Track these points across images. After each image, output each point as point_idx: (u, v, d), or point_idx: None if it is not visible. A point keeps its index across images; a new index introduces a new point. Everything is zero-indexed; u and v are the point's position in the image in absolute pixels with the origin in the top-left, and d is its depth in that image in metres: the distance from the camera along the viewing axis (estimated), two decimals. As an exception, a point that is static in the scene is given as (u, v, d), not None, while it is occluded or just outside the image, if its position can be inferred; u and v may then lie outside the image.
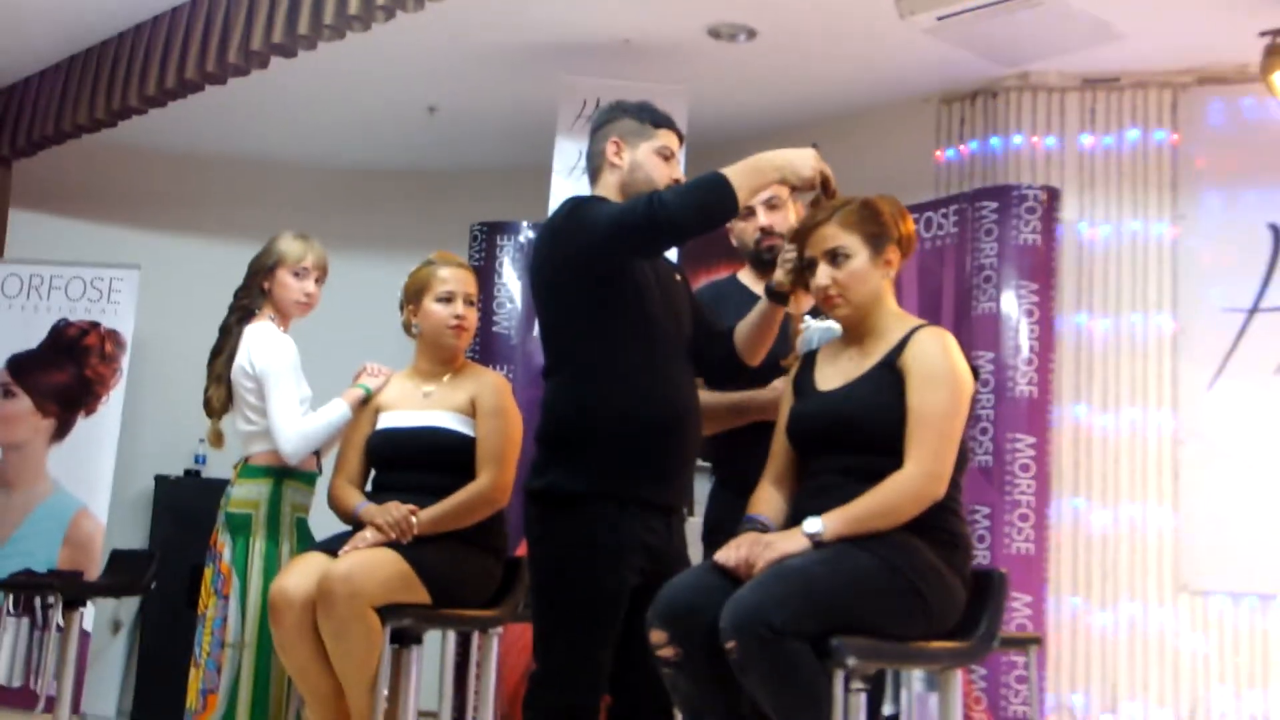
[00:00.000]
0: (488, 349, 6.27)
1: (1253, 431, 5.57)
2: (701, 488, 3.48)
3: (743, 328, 3.30)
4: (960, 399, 2.81)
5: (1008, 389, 5.53)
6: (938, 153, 6.23)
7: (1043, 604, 5.47)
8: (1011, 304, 5.61)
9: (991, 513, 5.45)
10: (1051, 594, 5.56)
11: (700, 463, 3.42)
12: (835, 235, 2.91)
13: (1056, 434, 5.68)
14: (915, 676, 4.89)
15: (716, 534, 3.35)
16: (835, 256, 2.91)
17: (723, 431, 3.50)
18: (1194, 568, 5.56)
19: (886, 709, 4.49)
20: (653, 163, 3.25)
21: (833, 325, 3.09)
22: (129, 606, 7.16)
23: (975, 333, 5.56)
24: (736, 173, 3.01)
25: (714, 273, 6.33)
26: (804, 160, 3.04)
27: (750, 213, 3.51)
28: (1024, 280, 5.62)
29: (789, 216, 3.50)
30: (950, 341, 2.87)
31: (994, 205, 5.69)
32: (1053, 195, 5.74)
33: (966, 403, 2.84)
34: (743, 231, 3.57)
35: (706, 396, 3.36)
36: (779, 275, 3.17)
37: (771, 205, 3.52)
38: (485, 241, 6.51)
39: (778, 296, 3.18)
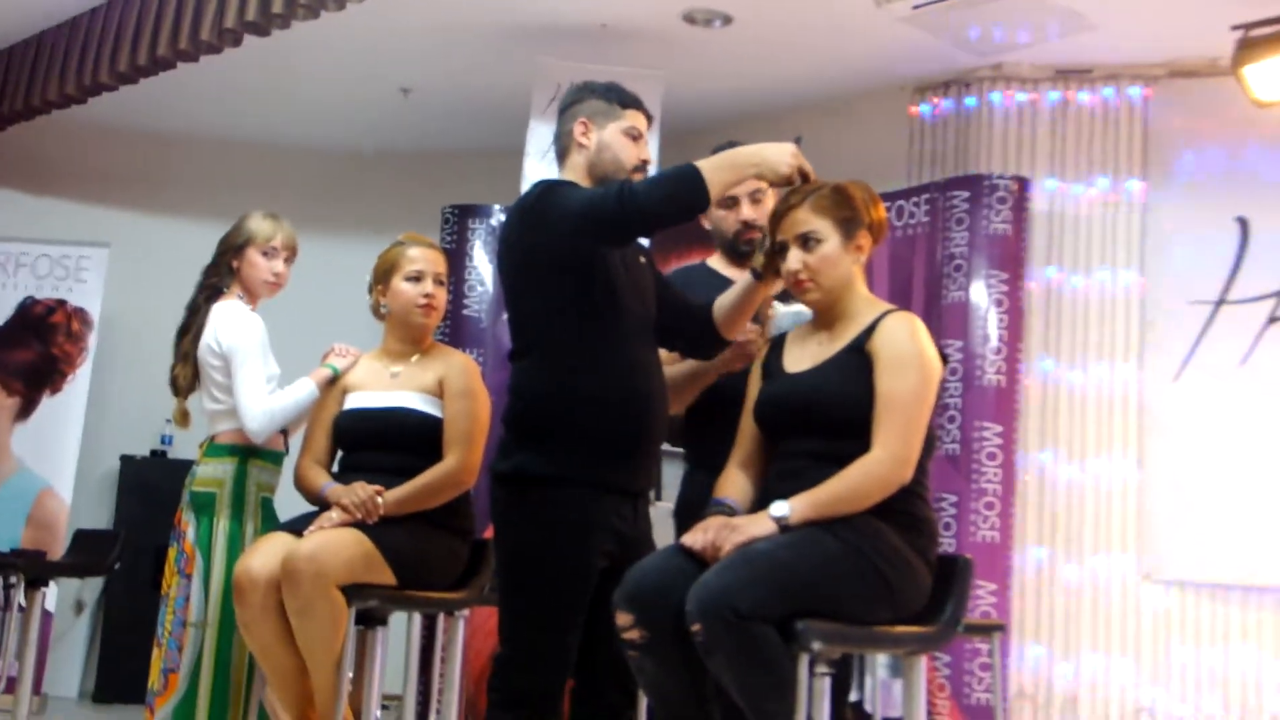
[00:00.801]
0: (458, 332, 6.26)
1: (1217, 424, 5.62)
2: (671, 472, 3.48)
3: (722, 303, 3.30)
4: (928, 384, 2.81)
5: (976, 378, 5.55)
6: (911, 109, 6.25)
7: (1007, 591, 5.50)
8: (981, 293, 5.63)
9: (959, 501, 5.47)
10: (1017, 563, 5.61)
11: (669, 447, 3.42)
12: (807, 220, 2.91)
13: (1024, 423, 5.71)
14: (879, 663, 4.93)
15: (690, 516, 3.36)
16: (806, 241, 2.91)
17: (697, 414, 3.50)
18: (1157, 559, 5.62)
19: (851, 696, 4.51)
20: (620, 143, 3.25)
21: (802, 310, 3.09)
22: (93, 587, 7.13)
23: (945, 321, 5.58)
24: (711, 166, 3.00)
25: (684, 258, 6.35)
26: (780, 156, 3.02)
27: (734, 203, 3.50)
28: (994, 270, 5.64)
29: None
30: (919, 327, 2.88)
31: (965, 194, 5.71)
32: (1023, 185, 5.76)
33: (934, 388, 2.84)
34: (722, 220, 3.56)
35: (665, 372, 3.35)
36: (756, 259, 3.17)
37: (755, 199, 3.51)
38: (457, 224, 6.49)
39: (762, 276, 3.16)
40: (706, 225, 3.64)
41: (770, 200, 3.51)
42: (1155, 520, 5.65)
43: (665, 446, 3.34)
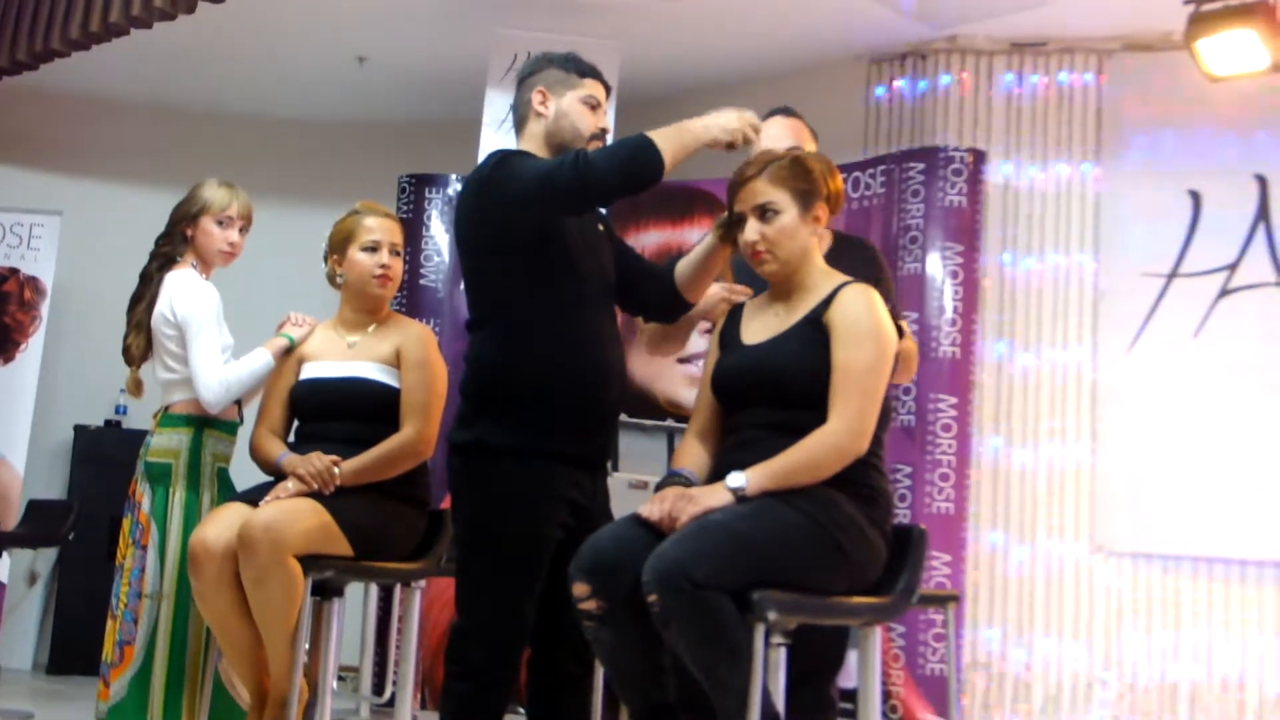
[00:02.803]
0: (415, 302, 6.25)
1: (1169, 395, 5.68)
2: (627, 443, 3.49)
3: (685, 265, 3.29)
4: (884, 356, 2.83)
5: (931, 349, 5.59)
6: (872, 89, 6.27)
7: (961, 563, 5.55)
8: (936, 265, 5.66)
9: (913, 472, 5.52)
10: (971, 536, 5.66)
11: (625, 417, 3.42)
12: (764, 191, 2.92)
13: (979, 395, 5.76)
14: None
15: None
16: (764, 212, 2.92)
17: None
18: (1109, 530, 5.69)
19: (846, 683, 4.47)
20: (578, 111, 3.25)
21: None
22: (46, 558, 7.08)
23: (900, 293, 5.56)
24: (663, 136, 3.00)
25: (642, 228, 6.35)
26: (726, 119, 3.04)
27: None
28: (949, 242, 5.67)
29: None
30: (875, 299, 2.88)
31: (921, 166, 5.74)
32: (979, 157, 5.79)
33: (890, 360, 2.86)
34: None
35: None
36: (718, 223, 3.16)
37: None
38: (413, 194, 6.48)
39: (726, 236, 3.13)
40: None
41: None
42: (1108, 494, 5.71)
43: (623, 417, 3.34)
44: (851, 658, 4.52)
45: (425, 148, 7.14)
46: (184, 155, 7.30)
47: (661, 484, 2.88)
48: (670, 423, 5.89)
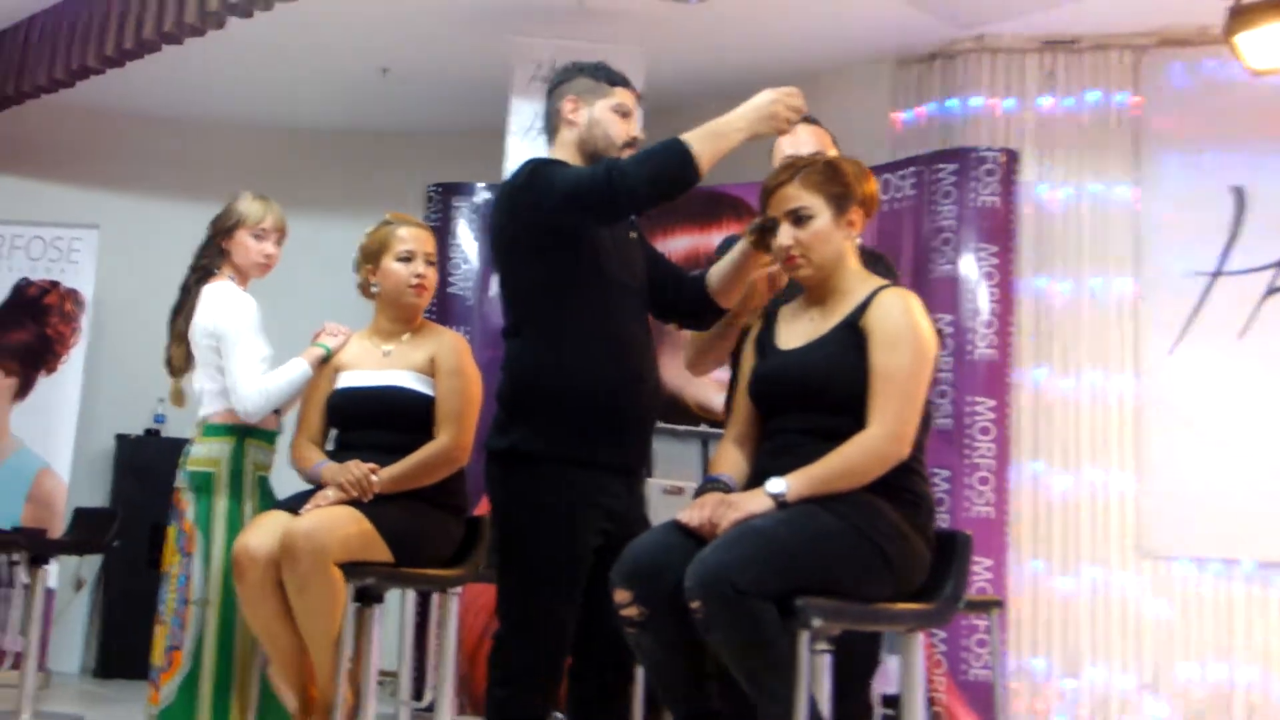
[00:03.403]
0: (444, 310, 6.27)
1: (1215, 396, 5.56)
2: (659, 448, 3.49)
3: (718, 270, 3.28)
4: (924, 360, 2.81)
5: (967, 352, 5.54)
6: (894, 114, 6.22)
7: (1003, 568, 5.48)
8: (970, 266, 5.61)
9: (951, 476, 5.46)
10: (1013, 558, 5.57)
11: (661, 424, 3.43)
12: (798, 195, 2.91)
13: (1016, 397, 5.68)
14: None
15: None
16: (798, 217, 2.90)
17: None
18: (1155, 533, 5.57)
19: (887, 689, 4.45)
20: (610, 119, 3.26)
21: None
22: (91, 564, 7.16)
23: (933, 295, 5.53)
24: (697, 138, 2.99)
25: (670, 234, 6.36)
26: (763, 107, 3.02)
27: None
28: (983, 243, 5.62)
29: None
30: (914, 302, 2.87)
31: (952, 168, 5.70)
32: (1011, 157, 5.73)
33: (930, 364, 2.84)
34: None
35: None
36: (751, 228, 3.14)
37: None
38: (441, 203, 6.51)
39: (759, 241, 3.11)
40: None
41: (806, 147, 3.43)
42: (1153, 499, 5.59)
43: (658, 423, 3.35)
44: (893, 663, 4.52)
45: (451, 157, 7.17)
46: (214, 168, 7.38)
47: (700, 490, 2.88)
48: (703, 428, 5.89)
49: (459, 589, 3.84)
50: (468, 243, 6.43)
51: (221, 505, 3.82)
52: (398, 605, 4.91)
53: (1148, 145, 5.80)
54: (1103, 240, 5.81)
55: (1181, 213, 5.72)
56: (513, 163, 5.76)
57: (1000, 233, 5.65)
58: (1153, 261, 5.73)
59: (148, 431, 7.26)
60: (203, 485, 3.83)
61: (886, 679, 4.87)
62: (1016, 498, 5.64)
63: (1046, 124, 5.93)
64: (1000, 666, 4.94)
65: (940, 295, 5.57)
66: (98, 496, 7.11)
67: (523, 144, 5.85)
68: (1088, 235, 5.83)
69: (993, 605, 4.84)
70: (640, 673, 3.56)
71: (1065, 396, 5.74)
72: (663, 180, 3.00)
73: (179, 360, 3.97)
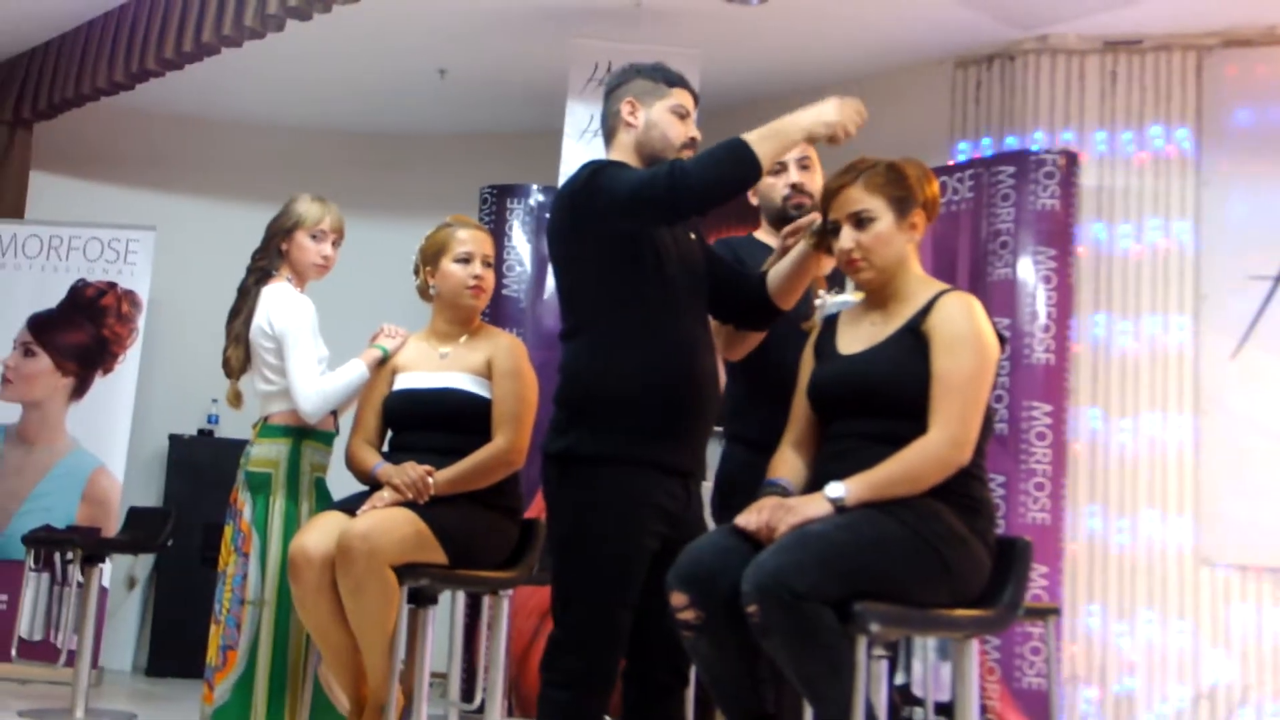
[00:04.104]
0: (498, 312, 6.28)
1: (1276, 401, 5.50)
2: (712, 451, 3.47)
3: (777, 272, 3.27)
4: (986, 364, 2.79)
5: (1024, 356, 5.50)
6: (953, 116, 6.18)
7: (1058, 575, 5.44)
8: (1028, 270, 5.56)
9: (1007, 481, 5.41)
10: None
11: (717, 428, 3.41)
12: (860, 198, 2.89)
13: (1074, 407, 5.62)
14: (928, 646, 4.89)
15: (731, 493, 3.37)
16: (859, 220, 2.89)
17: (734, 389, 3.50)
18: (1214, 541, 5.51)
19: (897, 679, 4.46)
20: (668, 121, 3.25)
21: (848, 299, 3.08)
22: (144, 563, 7.24)
23: (990, 299, 5.50)
24: (759, 137, 2.98)
25: (723, 234, 6.33)
26: (827, 109, 3.01)
27: (781, 169, 3.50)
28: (1041, 246, 5.57)
29: (817, 179, 3.49)
30: (976, 306, 2.84)
31: (1011, 170, 5.65)
32: (1071, 160, 5.68)
33: (992, 368, 2.82)
34: (770, 188, 3.56)
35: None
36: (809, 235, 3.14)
37: (803, 165, 3.52)
38: (495, 204, 6.51)
39: (820, 244, 3.11)
40: (754, 200, 3.64)
41: (817, 169, 3.53)
42: (1213, 504, 5.52)
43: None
44: (945, 669, 4.48)
45: (507, 158, 7.19)
46: (273, 170, 7.44)
47: (759, 494, 2.86)
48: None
49: (509, 591, 3.84)
50: (522, 245, 6.43)
51: (278, 505, 3.84)
52: (448, 607, 4.92)
53: (1210, 148, 5.73)
54: (1163, 250, 5.74)
55: (1243, 216, 5.64)
56: (568, 165, 5.77)
57: (1059, 235, 5.59)
58: (1214, 267, 5.66)
59: (201, 432, 7.32)
60: (260, 485, 3.85)
61: (939, 686, 4.83)
62: (1073, 498, 5.59)
63: (1107, 125, 5.88)
64: (1055, 675, 4.89)
65: (997, 299, 5.54)
66: (151, 496, 7.18)
67: (578, 146, 5.86)
68: (1147, 244, 5.76)
69: (1050, 613, 4.79)
70: (692, 675, 3.54)
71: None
72: (725, 180, 2.99)
73: (237, 362, 3.98)
